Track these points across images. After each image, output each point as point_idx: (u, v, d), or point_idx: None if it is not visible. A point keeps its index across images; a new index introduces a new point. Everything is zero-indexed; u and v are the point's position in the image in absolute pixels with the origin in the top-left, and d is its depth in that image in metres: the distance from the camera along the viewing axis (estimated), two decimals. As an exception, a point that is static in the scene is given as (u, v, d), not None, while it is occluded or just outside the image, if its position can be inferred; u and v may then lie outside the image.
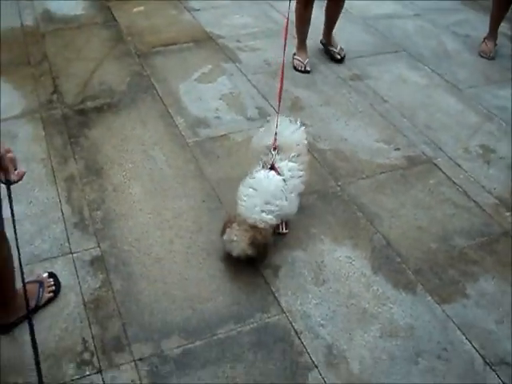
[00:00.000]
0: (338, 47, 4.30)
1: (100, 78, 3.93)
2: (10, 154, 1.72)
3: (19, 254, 1.73)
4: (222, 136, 3.44)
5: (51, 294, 2.42)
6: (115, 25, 4.69)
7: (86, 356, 2.23)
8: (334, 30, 4.26)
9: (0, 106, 3.46)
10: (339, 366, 2.25)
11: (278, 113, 2.68)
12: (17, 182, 1.75)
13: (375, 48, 4.56)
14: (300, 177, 2.65)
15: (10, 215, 1.74)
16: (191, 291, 2.50)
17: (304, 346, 2.31)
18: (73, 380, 2.15)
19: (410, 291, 2.57)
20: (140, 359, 2.22)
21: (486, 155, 3.45)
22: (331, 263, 2.67)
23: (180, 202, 2.95)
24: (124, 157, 3.23)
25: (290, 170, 2.60)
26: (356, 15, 5.02)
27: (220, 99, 3.78)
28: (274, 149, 2.61)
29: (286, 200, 2.56)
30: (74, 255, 2.63)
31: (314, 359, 2.26)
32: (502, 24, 4.54)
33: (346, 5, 4.12)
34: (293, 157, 2.63)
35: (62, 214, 2.83)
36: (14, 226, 1.70)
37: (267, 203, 2.50)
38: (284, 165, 2.60)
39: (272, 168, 2.60)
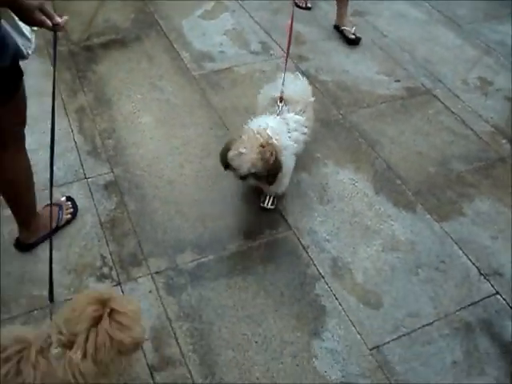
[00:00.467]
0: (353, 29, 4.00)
1: (104, 16, 3.96)
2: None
3: (52, 172, 1.86)
4: (226, 69, 3.51)
5: (69, 216, 2.53)
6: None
7: (105, 270, 2.36)
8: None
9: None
10: (344, 276, 2.39)
11: (285, 68, 2.66)
12: (63, 26, 1.75)
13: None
14: (304, 133, 2.61)
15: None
16: (202, 211, 2.62)
17: (311, 259, 2.44)
18: (94, 292, 2.28)
19: (410, 210, 2.70)
20: (156, 272, 2.36)
21: (483, 87, 3.53)
22: (335, 185, 2.79)
23: (188, 130, 3.04)
24: (132, 89, 3.30)
25: (295, 122, 2.57)
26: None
27: (224, 34, 3.83)
28: (281, 100, 2.59)
29: (290, 139, 2.51)
30: (89, 180, 2.73)
31: (320, 270, 2.40)
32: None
33: None
34: (300, 111, 2.62)
35: (75, 143, 2.92)
36: (53, 140, 1.85)
37: (273, 132, 2.42)
38: (290, 116, 2.57)
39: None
